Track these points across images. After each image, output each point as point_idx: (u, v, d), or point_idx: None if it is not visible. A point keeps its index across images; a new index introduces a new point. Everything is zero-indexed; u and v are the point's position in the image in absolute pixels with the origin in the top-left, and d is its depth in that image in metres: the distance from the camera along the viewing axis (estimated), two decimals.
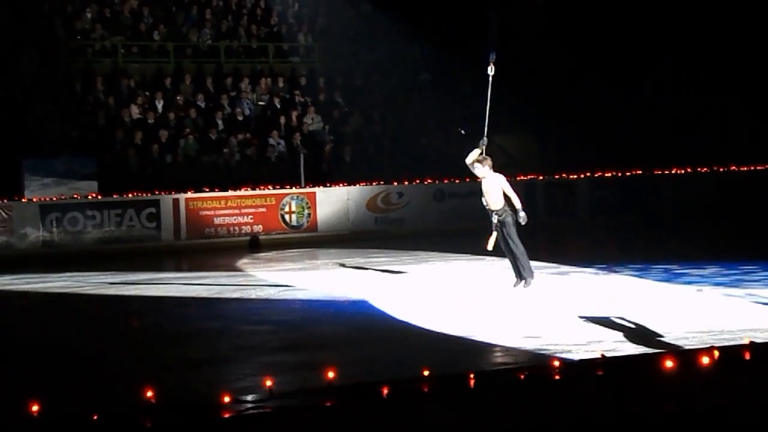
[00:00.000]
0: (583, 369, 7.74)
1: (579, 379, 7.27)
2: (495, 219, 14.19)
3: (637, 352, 9.61)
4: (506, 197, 14.24)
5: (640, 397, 6.89)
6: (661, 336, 10.56)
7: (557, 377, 7.24)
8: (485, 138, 14.41)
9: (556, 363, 7.61)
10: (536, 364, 8.86)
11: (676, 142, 26.06)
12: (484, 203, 14.34)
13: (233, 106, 25.79)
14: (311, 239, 22.60)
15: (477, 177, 14.49)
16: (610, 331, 10.98)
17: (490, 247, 14.22)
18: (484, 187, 14.33)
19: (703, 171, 26.26)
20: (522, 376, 7.18)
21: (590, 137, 25.13)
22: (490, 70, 14.71)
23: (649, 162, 25.62)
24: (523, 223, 14.09)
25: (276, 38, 28.32)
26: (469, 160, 14.34)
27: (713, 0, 27.91)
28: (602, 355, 8.13)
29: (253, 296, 15.03)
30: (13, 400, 7.77)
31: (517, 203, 14.12)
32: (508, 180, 14.44)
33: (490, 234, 14.23)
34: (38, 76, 24.37)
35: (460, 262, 18.23)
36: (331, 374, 7.74)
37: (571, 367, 7.90)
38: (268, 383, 7.54)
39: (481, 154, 14.32)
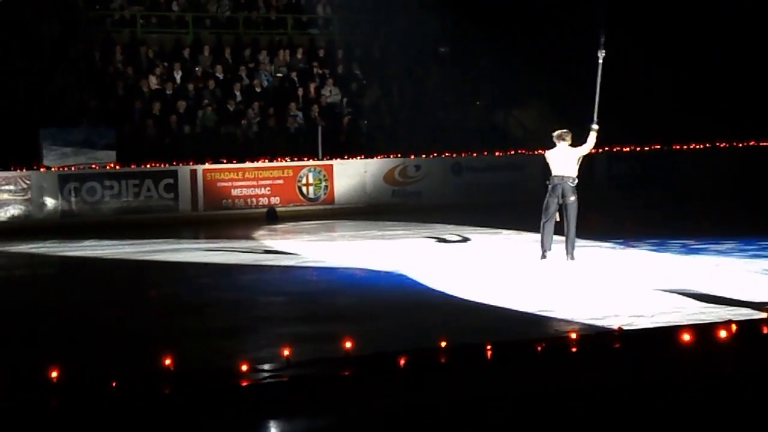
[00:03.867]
0: (600, 341, 7.76)
1: (595, 351, 7.29)
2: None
3: (654, 326, 9.61)
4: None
5: (656, 367, 6.91)
6: (678, 311, 10.56)
7: (574, 349, 7.25)
8: (596, 122, 14.43)
9: (573, 335, 7.62)
10: (552, 335, 8.87)
11: (695, 116, 25.88)
12: (559, 173, 14.32)
13: (251, 78, 25.76)
14: (328, 211, 22.60)
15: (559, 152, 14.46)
16: (627, 305, 10.98)
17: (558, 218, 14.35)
18: (559, 159, 14.36)
19: (722, 146, 26.12)
20: (539, 348, 7.20)
21: (609, 111, 24.95)
22: (601, 53, 14.70)
23: (669, 136, 25.49)
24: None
25: (295, 9, 28.22)
26: (592, 144, 14.49)
27: None
28: (619, 328, 8.14)
29: (270, 268, 15.07)
30: (33, 366, 7.84)
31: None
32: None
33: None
34: (58, 45, 24.37)
35: (477, 235, 18.21)
36: (348, 344, 7.77)
37: (587, 339, 7.91)
38: (286, 352, 7.58)
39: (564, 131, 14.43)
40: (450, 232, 18.82)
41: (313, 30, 28.29)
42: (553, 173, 14.36)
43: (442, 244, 17.26)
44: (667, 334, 7.79)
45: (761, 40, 28.04)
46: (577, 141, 14.55)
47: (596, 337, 8.40)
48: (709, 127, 25.44)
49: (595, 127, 14.50)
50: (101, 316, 11.73)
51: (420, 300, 12.07)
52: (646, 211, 21.89)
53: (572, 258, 14.23)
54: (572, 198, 14.20)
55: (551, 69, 25.45)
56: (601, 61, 14.75)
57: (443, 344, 7.53)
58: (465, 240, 17.64)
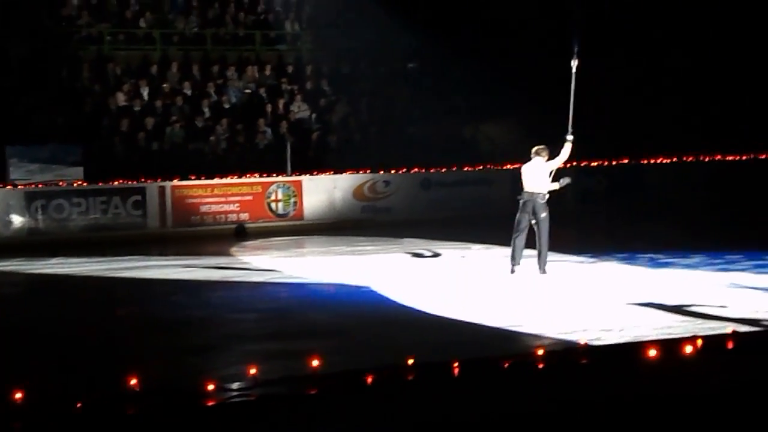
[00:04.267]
0: (567, 357, 7.77)
1: (562, 367, 7.29)
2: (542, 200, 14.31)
3: (622, 341, 9.64)
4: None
5: (622, 384, 6.92)
6: (646, 324, 10.59)
7: (541, 365, 7.26)
8: (571, 132, 14.47)
9: (540, 351, 7.63)
10: (519, 352, 8.88)
11: (662, 131, 26.07)
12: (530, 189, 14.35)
13: (220, 94, 25.71)
14: (298, 227, 22.55)
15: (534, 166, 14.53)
16: (596, 319, 11.01)
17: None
18: (531, 173, 14.42)
19: (689, 160, 26.29)
20: (506, 365, 7.20)
21: (577, 126, 25.11)
22: (574, 62, 14.70)
23: (636, 151, 25.64)
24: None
25: (263, 26, 28.21)
26: (567, 155, 14.65)
27: None
28: (585, 344, 8.16)
29: (240, 284, 15.02)
30: None
31: None
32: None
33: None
34: (25, 63, 24.22)
35: (447, 250, 18.22)
36: (315, 362, 7.74)
37: (554, 355, 7.92)
38: (253, 371, 7.54)
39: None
40: (420, 247, 18.82)
41: (282, 46, 28.28)
42: (524, 188, 14.39)
43: (412, 259, 17.26)
44: (634, 349, 7.81)
45: (727, 50, 28.28)
46: (554, 155, 14.61)
47: (563, 353, 8.42)
48: (676, 140, 25.62)
49: (569, 137, 14.58)
50: (68, 334, 11.62)
51: (390, 316, 12.07)
52: (614, 225, 21.99)
53: (544, 272, 14.27)
54: (543, 214, 14.25)
55: (520, 83, 25.54)
56: (574, 70, 14.77)
57: (410, 362, 7.51)
58: (435, 255, 17.65)
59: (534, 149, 14.58)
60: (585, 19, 15.64)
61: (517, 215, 14.37)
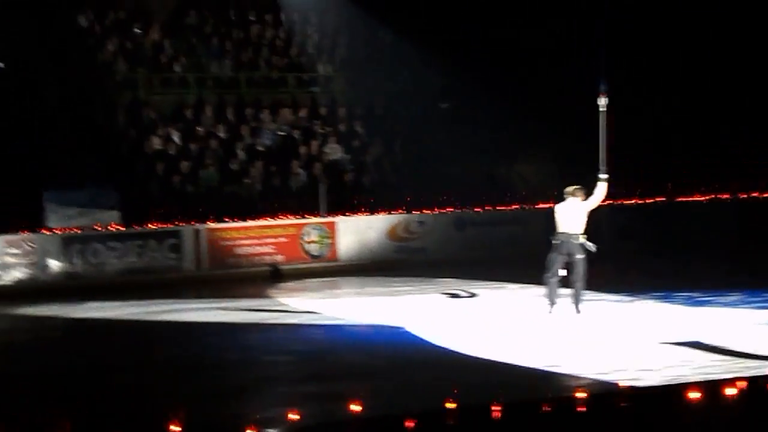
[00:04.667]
0: (609, 400, 7.68)
1: (604, 410, 7.21)
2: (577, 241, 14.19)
3: (661, 382, 9.54)
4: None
5: (666, 428, 6.83)
6: (685, 364, 10.50)
7: (582, 409, 7.18)
8: (604, 171, 14.39)
9: (581, 395, 7.54)
10: (560, 395, 8.79)
11: (698, 169, 25.93)
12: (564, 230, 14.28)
13: (254, 136, 25.87)
14: (332, 269, 22.56)
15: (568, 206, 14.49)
16: (634, 359, 10.92)
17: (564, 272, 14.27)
18: (566, 215, 14.33)
19: (725, 198, 26.10)
20: (548, 408, 7.13)
21: (613, 163, 25.05)
22: (601, 100, 14.64)
23: (671, 189, 25.51)
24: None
25: (296, 68, 28.38)
26: (602, 195, 14.50)
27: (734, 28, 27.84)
28: (628, 387, 8.07)
29: (275, 326, 15.03)
30: (37, 426, 7.79)
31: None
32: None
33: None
34: (61, 107, 24.49)
35: (482, 290, 18.16)
36: (354, 407, 7.71)
37: (596, 398, 7.81)
38: (294, 416, 7.51)
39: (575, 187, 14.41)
40: (454, 287, 18.78)
41: (315, 88, 28.42)
42: (559, 230, 14.27)
43: (447, 299, 17.22)
44: (676, 392, 7.71)
45: (762, 86, 28.11)
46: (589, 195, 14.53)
47: (604, 396, 8.32)
48: (712, 178, 25.48)
49: (603, 176, 14.48)
50: (106, 377, 11.67)
51: (426, 357, 12.03)
52: (650, 263, 21.83)
53: (579, 312, 14.18)
54: (580, 256, 14.14)
55: (553, 122, 25.53)
56: (602, 109, 14.70)
57: (451, 406, 7.46)
58: (470, 295, 17.60)
59: (569, 189, 14.49)
60: (611, 56, 15.53)
61: (551, 256, 14.27)
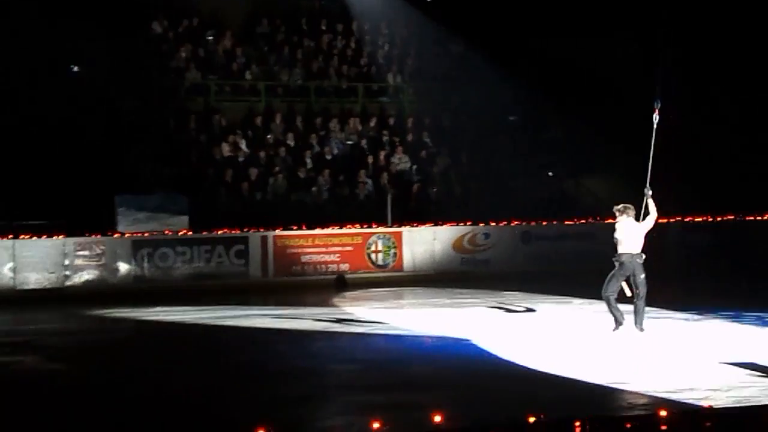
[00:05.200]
0: (691, 419, 7.57)
1: (686, 430, 7.12)
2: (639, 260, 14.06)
3: (733, 403, 9.41)
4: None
5: None
6: (754, 385, 10.35)
7: (664, 427, 7.09)
8: (648, 187, 14.35)
9: (663, 413, 7.45)
10: (640, 412, 8.70)
11: None
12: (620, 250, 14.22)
13: (322, 145, 26.03)
14: (397, 279, 22.60)
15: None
16: (702, 378, 10.80)
17: (627, 293, 14.15)
18: (623, 234, 14.21)
19: None
20: (628, 425, 7.06)
21: (682, 181, 24.83)
22: (656, 117, 14.65)
23: (743, 207, 25.17)
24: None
25: (366, 78, 28.53)
26: (651, 209, 14.33)
27: None
28: (710, 406, 7.96)
29: (340, 335, 15.09)
30: None
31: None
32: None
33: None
34: (133, 114, 24.82)
35: (547, 304, 18.09)
36: (437, 418, 7.70)
37: (677, 417, 7.69)
38: (376, 425, 7.53)
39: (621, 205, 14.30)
40: (519, 300, 18.72)
41: (384, 98, 28.54)
42: (621, 251, 14.15)
43: (512, 312, 17.16)
44: (758, 413, 7.59)
45: None
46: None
47: (687, 415, 8.20)
48: None
49: (648, 192, 14.38)
50: (174, 382, 11.79)
51: (490, 370, 12.00)
52: (719, 282, 21.54)
53: (642, 329, 14.06)
54: (642, 275, 14.05)
55: (621, 137, 25.32)
56: (655, 124, 14.65)
57: (531, 420, 7.41)
58: (534, 309, 17.53)
59: (621, 207, 14.38)
60: (670, 70, 15.42)
61: (614, 274, 14.13)
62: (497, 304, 18.25)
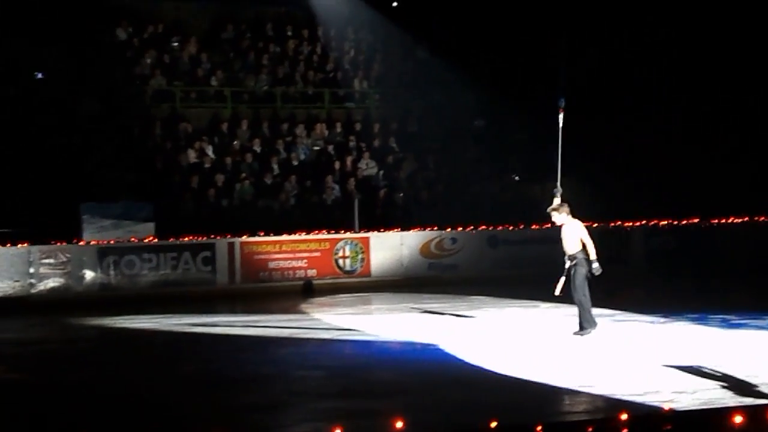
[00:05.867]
0: (651, 422, 7.60)
1: None
2: (567, 264, 14.20)
3: (699, 405, 9.46)
4: (583, 245, 14.28)
5: None
6: (720, 387, 10.41)
7: (624, 431, 7.12)
8: (559, 187, 14.49)
9: (623, 416, 7.48)
10: (602, 416, 8.72)
11: (733, 191, 25.73)
12: (563, 249, 14.40)
13: (289, 151, 25.99)
14: (365, 284, 22.60)
15: (555, 224, 14.55)
16: (668, 381, 10.86)
17: (558, 291, 14.23)
18: (562, 234, 14.38)
19: (760, 220, 25.90)
20: (589, 429, 7.08)
21: (645, 185, 24.99)
22: (560, 118, 14.76)
23: (706, 211, 25.35)
24: (596, 275, 14.14)
25: (332, 84, 28.52)
26: (548, 209, 14.46)
27: None
28: (670, 409, 8.00)
29: (307, 341, 15.05)
30: None
31: (592, 253, 14.17)
32: (585, 227, 14.51)
33: (559, 278, 14.24)
34: (97, 121, 24.70)
35: (514, 308, 18.16)
36: (398, 424, 7.69)
37: (638, 420, 7.73)
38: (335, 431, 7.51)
39: (560, 203, 14.43)
40: (487, 305, 18.76)
41: (350, 104, 28.55)
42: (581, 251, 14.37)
43: (479, 317, 17.18)
44: (720, 415, 7.63)
45: None
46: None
47: (647, 418, 8.24)
48: (747, 200, 25.28)
49: (556, 191, 14.52)
50: (137, 390, 11.71)
51: (457, 375, 12.00)
52: (684, 285, 21.68)
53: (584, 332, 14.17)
54: (574, 263, 14.21)
55: (585, 142, 25.44)
56: (561, 124, 14.76)
57: (493, 425, 7.41)
58: (501, 313, 17.56)
59: (551, 208, 14.50)
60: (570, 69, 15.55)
61: (585, 277, 14.23)
62: (464, 309, 18.26)
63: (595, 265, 14.18)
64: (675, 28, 28.01)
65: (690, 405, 9.45)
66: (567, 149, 25.24)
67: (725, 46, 27.97)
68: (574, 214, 14.60)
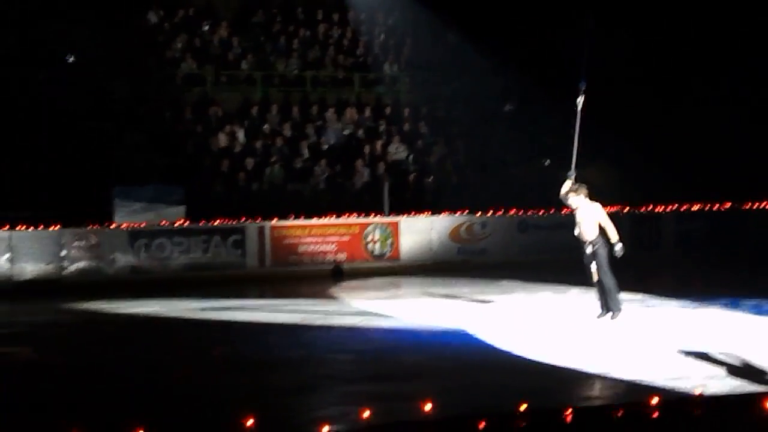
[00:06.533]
0: (682, 407, 7.57)
1: (677, 417, 7.12)
2: (589, 250, 14.08)
3: (727, 390, 9.42)
4: (602, 228, 14.15)
5: None
6: (750, 374, 10.35)
7: (655, 415, 7.10)
8: (573, 170, 14.34)
9: (654, 401, 7.45)
10: (632, 400, 8.69)
11: (766, 174, 25.50)
12: (577, 233, 14.26)
13: (319, 135, 26.01)
14: (394, 268, 22.62)
15: (571, 208, 14.40)
16: (699, 366, 10.80)
17: (595, 278, 14.12)
18: (578, 218, 14.25)
19: None
20: (620, 413, 7.07)
21: (677, 169, 24.82)
22: (580, 101, 14.59)
23: (738, 196, 25.17)
24: (619, 255, 14.00)
25: (362, 68, 28.50)
26: (562, 192, 14.31)
27: None
28: (701, 394, 7.96)
29: (336, 325, 15.07)
30: (113, 426, 7.89)
31: (613, 235, 14.04)
32: (604, 210, 14.35)
33: (588, 267, 14.16)
34: (128, 105, 24.80)
35: (543, 293, 18.10)
36: (427, 406, 7.70)
37: (668, 405, 7.70)
38: (365, 414, 7.53)
39: (575, 185, 14.26)
40: (516, 289, 18.72)
41: (380, 88, 28.51)
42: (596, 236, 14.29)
43: (509, 302, 17.14)
44: (752, 400, 7.58)
45: None
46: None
47: (678, 402, 8.19)
48: None
49: (570, 174, 14.35)
50: (166, 373, 11.78)
51: (485, 359, 11.98)
52: (715, 270, 21.55)
53: (613, 315, 14.10)
54: (596, 248, 14.12)
55: (615, 127, 25.31)
56: (579, 108, 14.59)
57: (522, 408, 7.41)
58: (531, 298, 17.52)
59: (565, 191, 14.35)
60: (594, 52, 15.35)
61: (608, 259, 14.16)
62: (494, 293, 18.24)
63: (619, 245, 14.02)
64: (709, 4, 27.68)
65: (719, 391, 9.40)
66: (597, 133, 25.24)
67: (763, 24, 27.65)
68: (593, 197, 14.45)
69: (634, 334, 13.25)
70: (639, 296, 16.57)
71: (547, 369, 11.14)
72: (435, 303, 17.31)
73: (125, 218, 21.81)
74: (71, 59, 25.73)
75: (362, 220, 23.02)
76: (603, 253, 14.06)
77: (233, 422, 7.57)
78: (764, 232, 24.74)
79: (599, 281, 14.09)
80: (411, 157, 26.29)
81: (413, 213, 23.61)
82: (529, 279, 19.90)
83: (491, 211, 23.94)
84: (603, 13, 21.15)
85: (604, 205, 17.84)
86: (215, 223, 22.04)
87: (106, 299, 18.48)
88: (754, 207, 25.51)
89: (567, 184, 14.31)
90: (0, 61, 23.67)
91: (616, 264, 14.38)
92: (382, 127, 26.87)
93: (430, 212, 23.71)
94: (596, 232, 14.13)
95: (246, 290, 19.94)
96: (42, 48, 24.60)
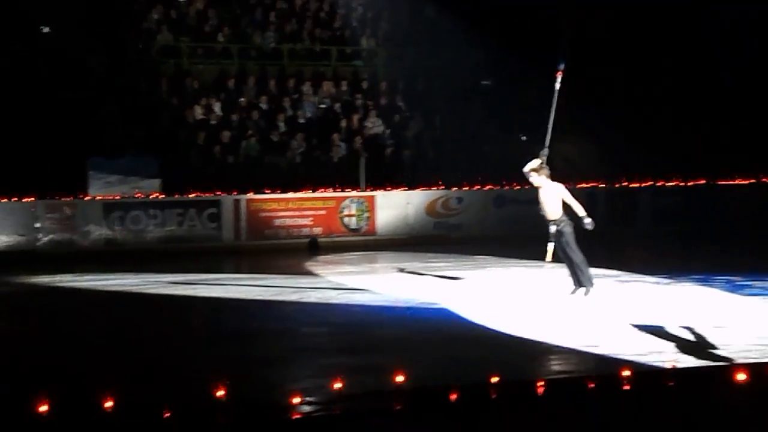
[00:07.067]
0: (653, 379, 7.65)
1: (648, 389, 7.20)
2: (553, 229, 14.13)
3: (699, 364, 9.50)
4: (566, 206, 14.17)
5: (709, 411, 6.81)
6: (722, 347, 10.44)
7: (626, 387, 7.18)
8: (546, 148, 14.33)
9: (625, 373, 7.52)
10: (604, 373, 8.77)
11: (740, 151, 25.68)
12: (541, 212, 14.30)
13: (295, 109, 25.93)
14: (370, 242, 22.64)
15: (533, 186, 14.42)
16: (671, 341, 10.88)
17: (548, 258, 14.17)
18: (541, 197, 14.28)
19: (766, 181, 25.86)
20: (591, 385, 7.13)
21: (653, 145, 24.92)
22: (558, 80, 14.58)
23: (713, 172, 25.31)
24: (590, 228, 14.01)
25: (339, 41, 28.39)
26: (525, 169, 14.30)
27: None
28: (673, 366, 8.03)
29: (312, 298, 15.09)
30: (84, 395, 7.88)
31: (580, 210, 14.04)
32: (567, 188, 14.35)
33: (546, 246, 14.18)
34: (104, 76, 24.63)
35: (518, 268, 18.18)
36: (399, 378, 7.73)
37: (640, 377, 7.77)
38: (337, 385, 7.55)
39: (542, 164, 14.22)
40: (492, 264, 18.78)
41: (357, 62, 28.43)
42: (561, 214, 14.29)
43: (484, 276, 17.21)
44: (721, 372, 7.67)
45: None
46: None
47: (649, 374, 8.27)
48: (755, 160, 25.23)
49: (543, 152, 14.34)
50: (143, 345, 11.77)
51: (459, 333, 12.03)
52: (689, 246, 21.70)
53: (586, 292, 14.14)
54: (560, 227, 14.12)
55: (593, 103, 25.38)
56: (558, 85, 14.59)
57: (494, 380, 7.47)
58: (506, 273, 17.59)
59: (529, 168, 14.34)
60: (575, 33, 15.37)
61: (574, 236, 14.20)
62: (469, 268, 18.30)
63: (587, 219, 14.02)
64: None
65: (692, 364, 9.48)
66: (574, 108, 25.30)
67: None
68: (569, 173, 14.42)
69: (607, 309, 13.32)
70: (614, 272, 16.65)
71: (521, 343, 11.20)
72: (410, 277, 17.35)
73: (100, 190, 21.72)
74: (46, 30, 25.51)
75: (339, 194, 23.02)
76: (569, 230, 14.09)
77: (206, 393, 7.56)
78: (739, 208, 24.93)
79: (568, 258, 14.13)
80: (388, 131, 26.26)
81: (390, 187, 23.63)
82: (505, 254, 19.96)
83: (468, 186, 23.97)
84: None
85: (580, 181, 17.98)
86: (191, 196, 21.99)
87: (80, 272, 18.41)
88: (730, 183, 25.66)
89: (534, 162, 14.26)
90: None
91: (591, 240, 14.44)
92: (359, 101, 26.81)
93: (406, 187, 23.73)
94: (560, 211, 14.16)
95: (221, 263, 19.94)
96: (17, 18, 24.37)
